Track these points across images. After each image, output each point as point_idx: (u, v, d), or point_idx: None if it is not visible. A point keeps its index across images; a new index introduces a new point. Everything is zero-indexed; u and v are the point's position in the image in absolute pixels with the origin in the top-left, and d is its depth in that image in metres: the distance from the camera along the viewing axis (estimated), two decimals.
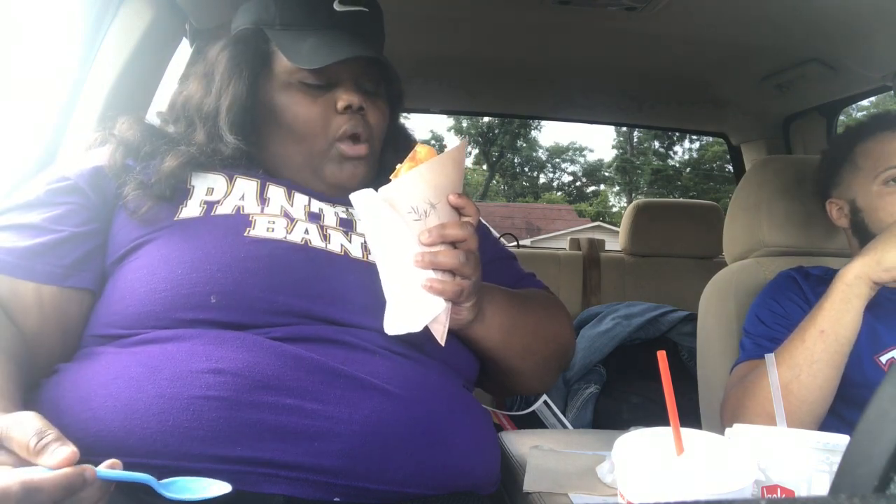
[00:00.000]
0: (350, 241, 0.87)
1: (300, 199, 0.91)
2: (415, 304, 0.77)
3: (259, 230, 0.82)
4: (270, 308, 0.76)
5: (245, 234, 0.81)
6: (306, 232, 0.85)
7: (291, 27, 0.93)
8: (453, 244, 0.79)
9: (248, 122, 0.92)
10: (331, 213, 0.91)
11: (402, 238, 0.77)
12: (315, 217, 0.89)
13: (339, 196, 0.92)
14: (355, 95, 0.92)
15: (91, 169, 0.86)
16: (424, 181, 0.77)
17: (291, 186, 0.92)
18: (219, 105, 0.91)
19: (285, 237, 0.83)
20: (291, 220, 0.86)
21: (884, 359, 1.02)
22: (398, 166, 0.79)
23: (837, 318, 0.95)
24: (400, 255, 0.77)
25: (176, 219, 0.83)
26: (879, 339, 1.04)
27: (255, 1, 0.98)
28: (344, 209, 0.93)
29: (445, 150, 0.80)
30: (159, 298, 0.75)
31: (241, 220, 0.83)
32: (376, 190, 0.77)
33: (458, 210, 0.81)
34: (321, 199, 0.93)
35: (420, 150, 0.79)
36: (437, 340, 0.78)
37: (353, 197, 0.77)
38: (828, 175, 1.22)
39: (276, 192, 0.90)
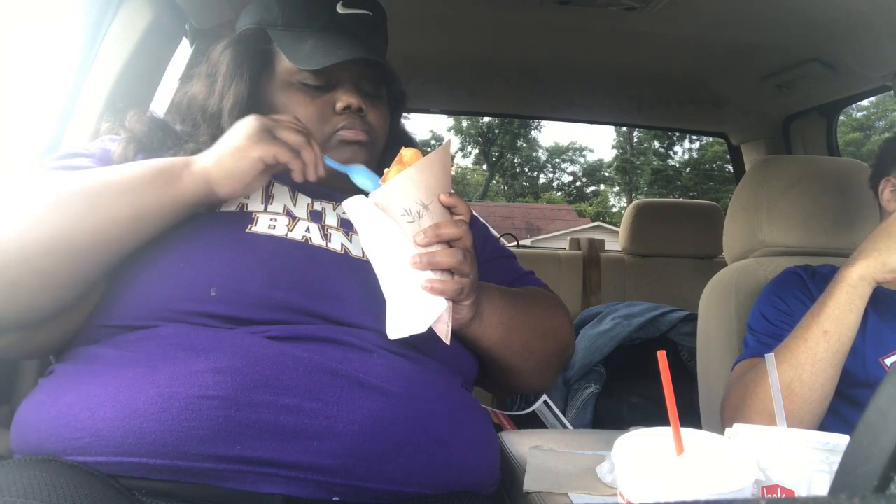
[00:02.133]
0: (351, 241, 0.88)
1: (304, 198, 0.91)
2: (416, 307, 0.76)
3: (261, 227, 0.83)
4: (269, 304, 0.76)
5: (247, 230, 0.82)
6: (307, 230, 0.85)
7: (293, 28, 0.94)
8: (449, 243, 0.79)
9: None
10: (333, 214, 0.92)
11: (398, 241, 0.76)
12: (317, 216, 0.90)
13: (341, 185, 0.92)
14: (354, 97, 0.92)
15: (102, 150, 0.89)
16: (414, 182, 0.77)
17: (296, 185, 0.92)
18: (222, 106, 0.92)
19: (286, 234, 0.83)
20: (293, 219, 0.86)
21: (888, 361, 1.02)
22: (385, 170, 0.79)
23: (841, 318, 0.94)
24: (397, 258, 0.77)
25: None
26: (884, 342, 1.03)
27: (258, 1, 0.98)
28: (341, 209, 0.94)
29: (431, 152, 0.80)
30: (159, 290, 0.75)
31: (243, 217, 0.84)
32: (367, 196, 0.77)
33: (449, 209, 0.81)
34: (325, 198, 0.93)
35: (405, 153, 0.79)
36: (440, 340, 0.78)
37: (346, 204, 0.77)
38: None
39: (280, 191, 0.91)
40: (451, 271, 0.78)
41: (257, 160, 0.78)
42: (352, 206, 0.77)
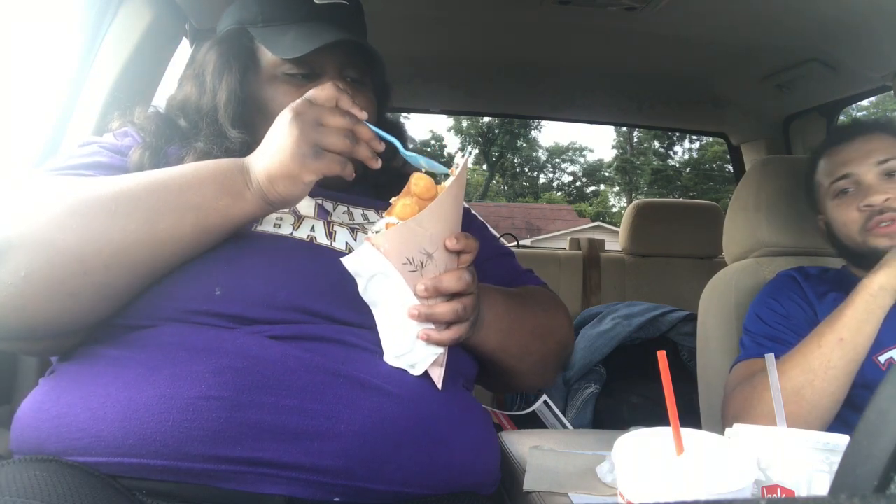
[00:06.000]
0: (356, 240, 0.88)
1: (311, 196, 0.91)
2: (412, 351, 0.75)
3: (266, 226, 0.83)
4: (272, 303, 0.76)
5: (253, 228, 0.82)
6: (312, 229, 0.86)
7: (273, 23, 0.95)
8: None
9: (246, 115, 0.93)
10: (338, 212, 0.92)
11: (397, 289, 0.72)
12: (323, 215, 0.90)
13: (348, 185, 0.91)
14: (340, 83, 0.92)
15: (113, 145, 0.90)
16: (420, 232, 0.72)
17: None
18: (216, 102, 0.92)
19: (291, 233, 0.84)
20: (299, 217, 0.87)
21: (882, 359, 1.02)
22: (392, 200, 0.76)
23: (859, 327, 0.94)
24: (395, 303, 0.73)
25: None
26: (877, 340, 1.03)
27: (237, 2, 0.99)
28: (346, 208, 0.94)
29: (448, 177, 0.75)
30: (164, 290, 0.75)
31: None
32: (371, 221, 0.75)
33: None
34: (330, 198, 0.93)
35: (416, 182, 0.74)
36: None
37: (345, 260, 0.73)
38: (807, 193, 1.26)
39: None
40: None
41: (310, 183, 0.77)
42: (351, 260, 0.72)
